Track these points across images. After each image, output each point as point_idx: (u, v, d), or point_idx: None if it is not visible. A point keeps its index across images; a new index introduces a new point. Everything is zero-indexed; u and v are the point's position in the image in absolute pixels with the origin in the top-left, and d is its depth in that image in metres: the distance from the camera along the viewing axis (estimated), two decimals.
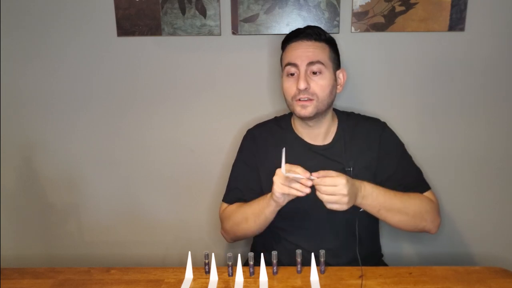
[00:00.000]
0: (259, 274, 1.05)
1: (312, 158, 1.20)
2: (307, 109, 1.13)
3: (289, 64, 1.15)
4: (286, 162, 1.10)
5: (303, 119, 1.16)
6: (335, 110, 1.27)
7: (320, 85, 1.14)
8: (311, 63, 1.13)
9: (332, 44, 1.19)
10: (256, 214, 1.14)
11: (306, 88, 1.12)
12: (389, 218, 1.11)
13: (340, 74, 1.20)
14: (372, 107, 1.40)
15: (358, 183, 1.04)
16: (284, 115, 1.31)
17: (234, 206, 1.24)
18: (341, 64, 1.37)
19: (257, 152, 1.25)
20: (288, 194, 1.02)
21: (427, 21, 1.33)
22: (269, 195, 1.09)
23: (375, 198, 1.06)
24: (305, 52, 1.14)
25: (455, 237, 1.50)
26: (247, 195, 1.24)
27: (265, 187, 1.22)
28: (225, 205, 1.28)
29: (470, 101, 1.40)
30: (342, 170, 1.15)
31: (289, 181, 1.00)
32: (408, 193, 1.14)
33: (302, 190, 1.00)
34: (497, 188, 1.46)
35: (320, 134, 1.21)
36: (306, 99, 1.13)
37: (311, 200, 1.17)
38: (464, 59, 1.37)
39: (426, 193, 1.20)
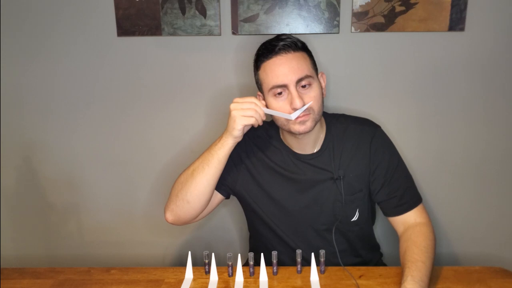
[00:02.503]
0: (259, 274, 1.05)
1: (301, 167, 1.16)
2: (307, 124, 1.07)
3: (276, 86, 1.06)
4: (275, 173, 1.08)
5: (301, 135, 1.10)
6: (323, 113, 1.20)
7: (313, 97, 1.07)
8: (300, 80, 1.05)
9: (307, 50, 1.12)
10: (206, 161, 1.10)
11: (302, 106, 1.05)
12: None
13: (321, 79, 1.14)
14: (371, 107, 1.40)
15: None
16: (272, 122, 1.22)
17: None
18: (341, 64, 1.38)
19: (241, 149, 1.19)
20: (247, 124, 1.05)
21: (427, 21, 1.33)
22: (222, 137, 1.09)
23: None
24: (290, 69, 1.05)
25: (455, 237, 1.50)
26: (218, 185, 1.19)
27: (240, 186, 1.20)
28: None
29: (470, 101, 1.40)
30: (331, 179, 1.15)
31: (244, 110, 1.04)
32: (424, 249, 1.04)
33: (259, 114, 1.05)
34: (497, 188, 1.46)
35: (308, 143, 1.16)
36: (302, 115, 1.06)
37: (302, 210, 1.17)
38: (464, 59, 1.37)
39: (418, 208, 1.14)
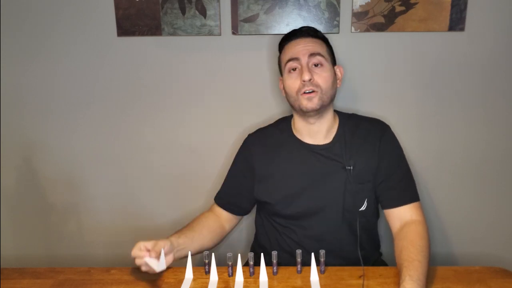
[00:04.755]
0: (259, 274, 1.05)
1: (312, 158, 1.20)
2: (313, 101, 1.14)
3: (290, 60, 1.17)
4: (286, 168, 1.12)
5: (309, 112, 1.16)
6: (336, 111, 1.26)
7: (322, 76, 1.15)
8: (312, 55, 1.15)
9: (327, 42, 1.22)
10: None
11: (310, 79, 1.13)
12: None
13: (337, 70, 1.23)
14: (371, 107, 1.40)
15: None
16: (285, 118, 1.31)
17: (205, 216, 1.29)
18: (341, 64, 1.38)
19: (253, 160, 1.25)
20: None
21: (427, 21, 1.33)
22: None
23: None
24: (304, 46, 1.17)
25: (455, 237, 1.50)
26: (237, 200, 1.29)
27: (257, 193, 1.25)
28: (214, 204, 1.33)
29: (470, 101, 1.40)
30: (342, 168, 1.17)
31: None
32: (420, 248, 1.05)
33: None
34: (497, 188, 1.46)
35: (320, 132, 1.21)
36: (310, 91, 1.14)
37: (313, 202, 1.19)
38: (464, 59, 1.37)
39: (415, 204, 1.16)
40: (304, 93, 1.14)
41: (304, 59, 1.15)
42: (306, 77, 1.13)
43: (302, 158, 1.21)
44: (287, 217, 1.22)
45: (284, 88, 1.22)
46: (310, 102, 1.14)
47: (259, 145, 1.26)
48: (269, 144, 1.25)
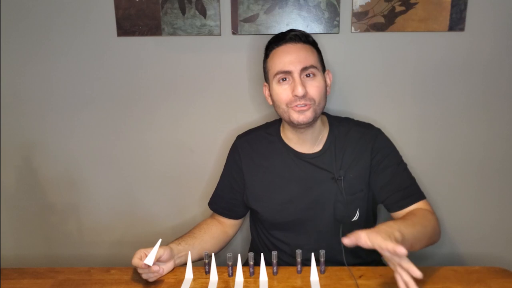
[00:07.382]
0: (259, 274, 1.05)
1: (301, 167, 1.17)
2: (306, 114, 1.09)
3: (280, 72, 1.10)
4: (275, 176, 1.10)
5: (300, 125, 1.12)
6: (327, 115, 1.23)
7: (316, 87, 1.10)
8: (304, 69, 1.09)
9: (316, 47, 1.16)
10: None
11: (304, 95, 1.08)
12: (417, 248, 1.00)
13: (327, 77, 1.17)
14: (371, 108, 1.40)
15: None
16: (275, 121, 1.28)
17: (206, 223, 1.28)
18: (341, 64, 1.38)
19: (241, 165, 1.23)
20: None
21: (427, 21, 1.33)
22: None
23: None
24: (296, 57, 1.09)
25: (455, 237, 1.50)
26: (230, 205, 1.28)
27: (246, 200, 1.24)
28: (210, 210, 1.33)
29: (470, 101, 1.40)
30: (332, 179, 1.15)
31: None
32: (418, 215, 1.07)
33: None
34: (497, 189, 1.46)
35: (309, 140, 1.17)
36: (303, 105, 1.09)
37: (303, 212, 1.18)
38: (464, 59, 1.37)
39: (422, 202, 1.15)
40: (296, 106, 1.09)
41: (296, 73, 1.08)
42: (300, 92, 1.07)
43: (291, 166, 1.18)
44: (277, 226, 1.21)
45: (271, 96, 1.16)
46: (302, 116, 1.09)
47: (247, 148, 1.24)
48: (257, 148, 1.23)
